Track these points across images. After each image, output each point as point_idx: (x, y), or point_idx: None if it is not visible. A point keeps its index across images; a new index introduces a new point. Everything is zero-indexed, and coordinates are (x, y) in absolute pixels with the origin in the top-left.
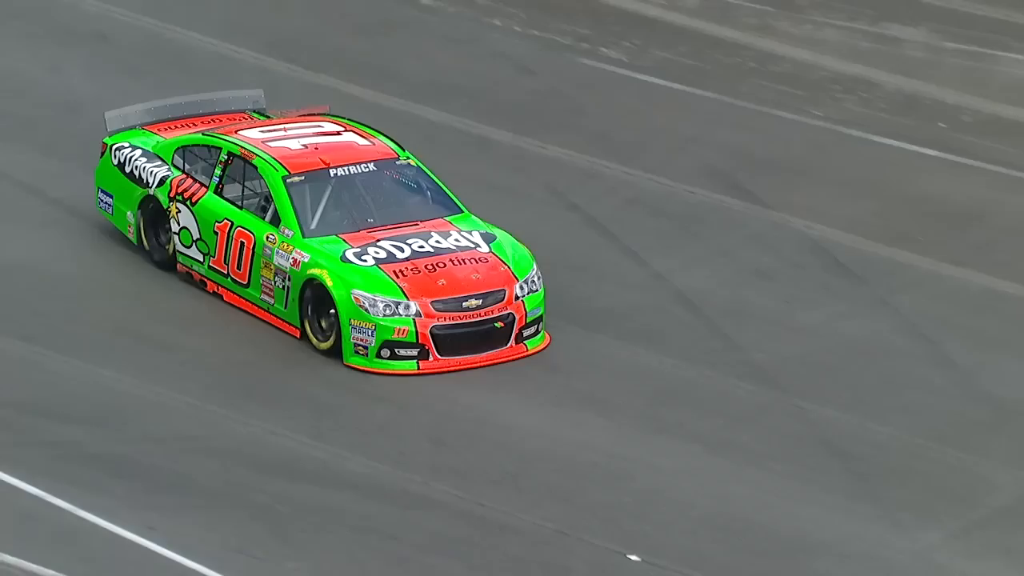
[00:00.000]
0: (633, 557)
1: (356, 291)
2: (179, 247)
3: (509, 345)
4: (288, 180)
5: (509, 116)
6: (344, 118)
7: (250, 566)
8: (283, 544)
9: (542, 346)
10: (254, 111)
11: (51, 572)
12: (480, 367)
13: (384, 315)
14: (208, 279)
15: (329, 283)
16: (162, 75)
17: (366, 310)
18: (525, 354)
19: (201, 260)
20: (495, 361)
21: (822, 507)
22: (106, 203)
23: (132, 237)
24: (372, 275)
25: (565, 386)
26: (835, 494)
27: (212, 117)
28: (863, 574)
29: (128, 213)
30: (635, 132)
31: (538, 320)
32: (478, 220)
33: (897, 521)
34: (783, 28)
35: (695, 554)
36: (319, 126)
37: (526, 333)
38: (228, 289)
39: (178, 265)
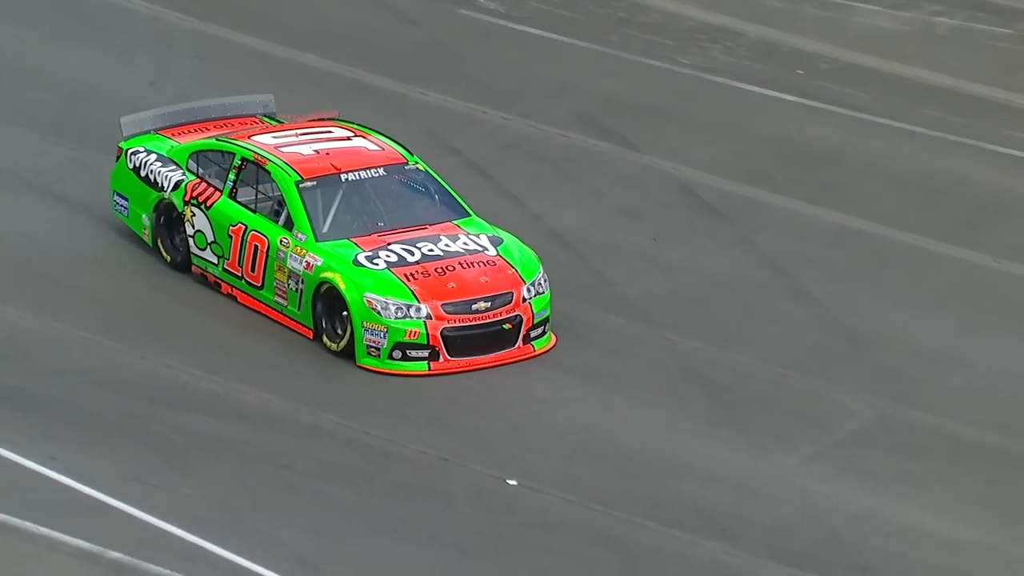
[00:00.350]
0: (511, 481)
1: (368, 294)
2: (194, 249)
3: (517, 346)
4: (301, 185)
5: (391, 64)
6: (353, 123)
7: (146, 493)
8: (177, 472)
9: (549, 346)
10: (265, 115)
11: None
12: (489, 367)
13: (396, 318)
14: (222, 281)
15: (342, 287)
16: (55, 24)
17: (378, 313)
18: (532, 354)
19: (216, 262)
20: (503, 362)
21: (688, 433)
22: (122, 206)
23: (147, 239)
24: (384, 279)
25: None
26: (700, 421)
27: (224, 121)
28: (727, 495)
29: (143, 216)
30: (512, 80)
31: (545, 321)
32: (484, 223)
33: (759, 445)
34: None
35: (569, 477)
36: (329, 131)
37: (533, 334)
38: (242, 291)
39: (193, 267)
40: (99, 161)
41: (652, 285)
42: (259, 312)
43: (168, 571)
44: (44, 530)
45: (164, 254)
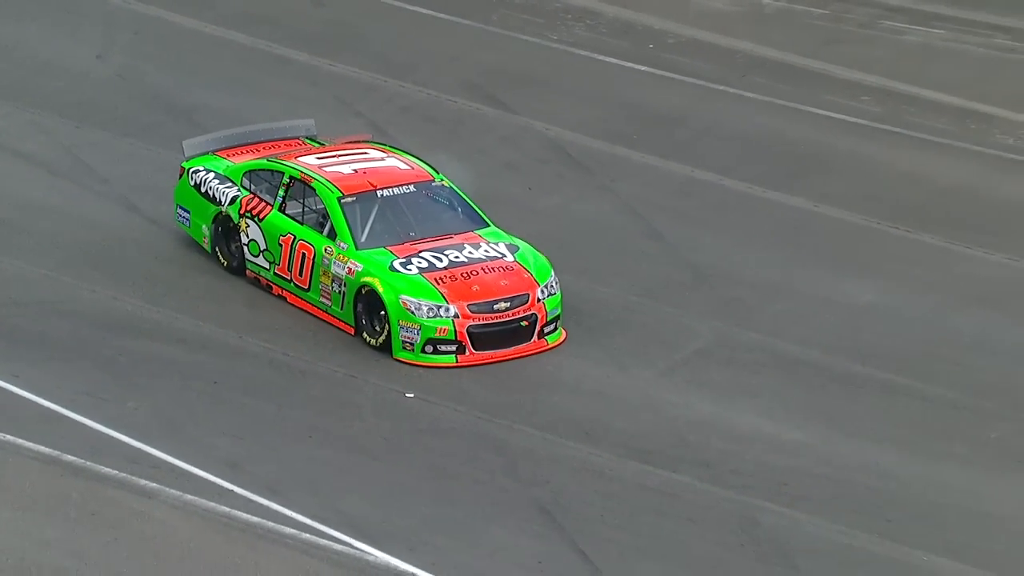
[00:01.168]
0: (409, 395)
1: (404, 296)
2: (248, 256)
3: (532, 340)
4: (342, 200)
5: (306, 41)
6: (385, 145)
7: (97, 405)
8: (124, 388)
9: (560, 341)
10: (307, 137)
11: None
12: (509, 360)
13: (428, 317)
14: (274, 284)
15: (381, 290)
16: (13, 4)
17: (412, 312)
18: (546, 348)
19: (267, 267)
20: (521, 354)
21: (560, 353)
22: (184, 218)
23: (207, 247)
24: (417, 282)
25: None
26: (570, 343)
27: (272, 143)
28: (591, 404)
29: (203, 227)
30: (408, 53)
31: (556, 319)
32: (502, 232)
33: (618, 362)
34: None
35: (458, 391)
36: (365, 153)
37: (546, 330)
38: (291, 292)
39: (247, 271)
40: (56, 123)
41: (528, 228)
42: (306, 311)
43: (116, 472)
44: (10, 438)
45: (221, 259)
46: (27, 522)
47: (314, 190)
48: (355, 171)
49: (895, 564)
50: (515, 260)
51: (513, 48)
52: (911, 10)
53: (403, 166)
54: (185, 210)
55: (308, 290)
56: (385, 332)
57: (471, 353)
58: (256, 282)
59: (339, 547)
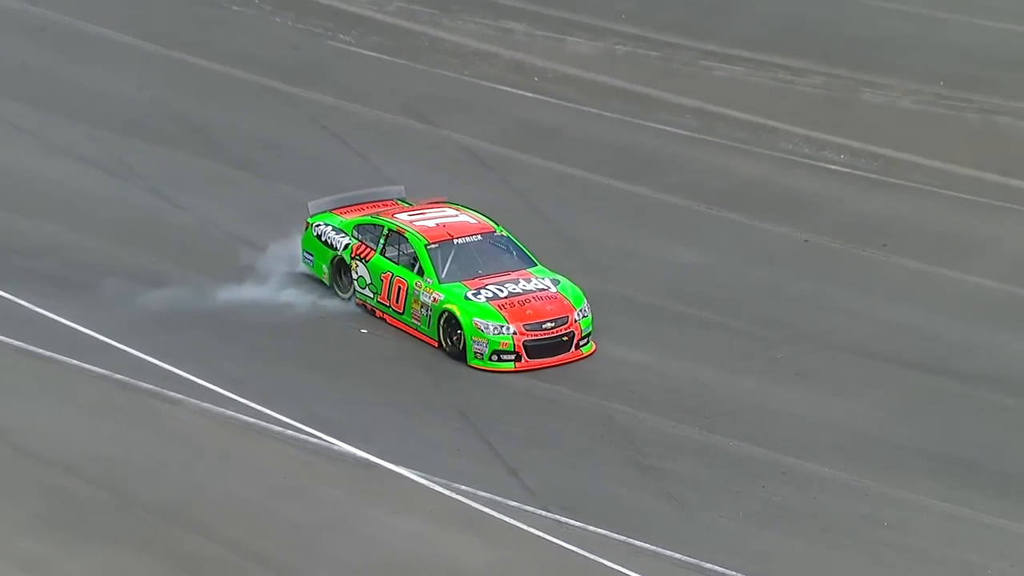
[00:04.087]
0: (363, 330)
1: (476, 319)
2: (357, 288)
3: (571, 351)
4: (428, 247)
5: (286, 75)
6: (458, 204)
7: (137, 339)
8: (156, 326)
9: (592, 351)
10: (399, 199)
11: None
12: (554, 366)
13: (493, 334)
14: (377, 309)
15: (458, 314)
16: None
17: (482, 331)
18: (581, 357)
19: (372, 297)
20: (563, 361)
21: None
22: (308, 259)
23: (327, 282)
24: (485, 308)
25: None
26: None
27: (373, 204)
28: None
29: (324, 266)
30: (359, 83)
31: (588, 334)
32: (547, 270)
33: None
34: None
35: (398, 331)
36: (443, 210)
37: (582, 343)
38: (390, 315)
39: (356, 300)
40: (107, 135)
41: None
42: (401, 330)
43: (151, 386)
44: (74, 361)
45: (339, 292)
46: (88, 423)
47: (407, 239)
48: (437, 224)
49: (712, 447)
50: (558, 291)
51: (437, 80)
52: (720, 53)
53: (472, 220)
54: (310, 254)
55: (403, 313)
56: (461, 345)
57: (526, 361)
58: (365, 308)
59: (313, 440)
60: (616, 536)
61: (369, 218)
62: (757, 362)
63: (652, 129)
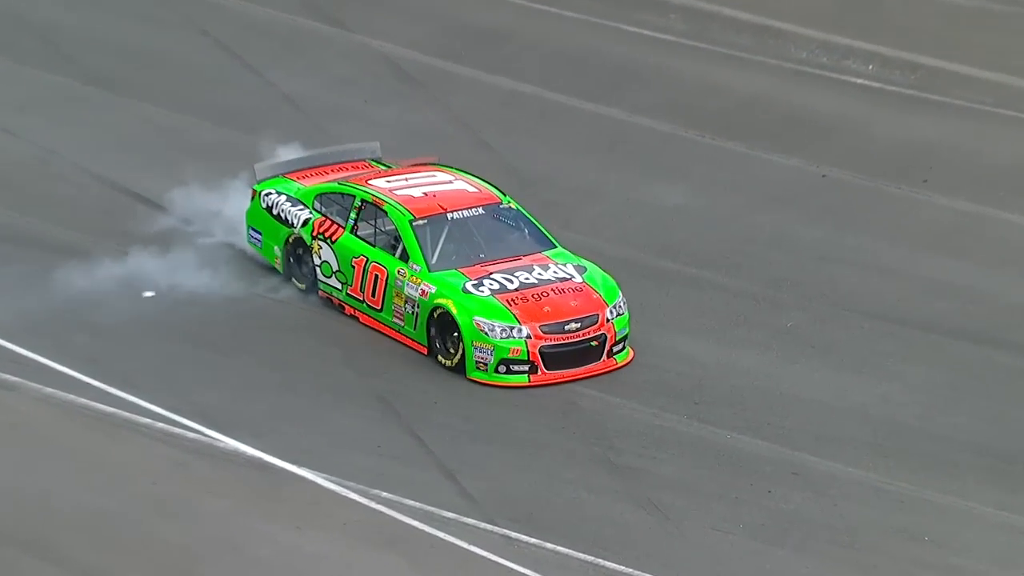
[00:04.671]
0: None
1: (477, 318)
2: (320, 277)
3: (602, 360)
4: (414, 223)
5: None
6: (452, 167)
7: None
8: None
9: (628, 360)
10: (372, 159)
11: None
12: (579, 380)
13: (501, 338)
14: (346, 304)
15: (455, 311)
16: None
17: (486, 334)
18: (615, 367)
19: (340, 288)
20: (591, 374)
21: None
22: (256, 239)
23: (279, 268)
24: (490, 304)
25: None
26: None
27: (340, 166)
28: None
29: (275, 248)
30: None
31: (624, 338)
32: (569, 253)
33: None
34: None
35: (300, 295)
36: (433, 175)
37: (615, 349)
38: (364, 312)
39: (319, 292)
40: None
41: (365, 137)
42: (379, 331)
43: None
44: None
45: (296, 282)
46: None
47: (386, 212)
48: (425, 194)
49: (702, 442)
50: (584, 281)
51: None
52: None
53: (471, 188)
54: (257, 232)
55: (381, 310)
56: (459, 353)
57: (543, 373)
58: (330, 303)
59: (191, 435)
60: (581, 556)
61: (336, 185)
62: (761, 332)
63: (626, 33)
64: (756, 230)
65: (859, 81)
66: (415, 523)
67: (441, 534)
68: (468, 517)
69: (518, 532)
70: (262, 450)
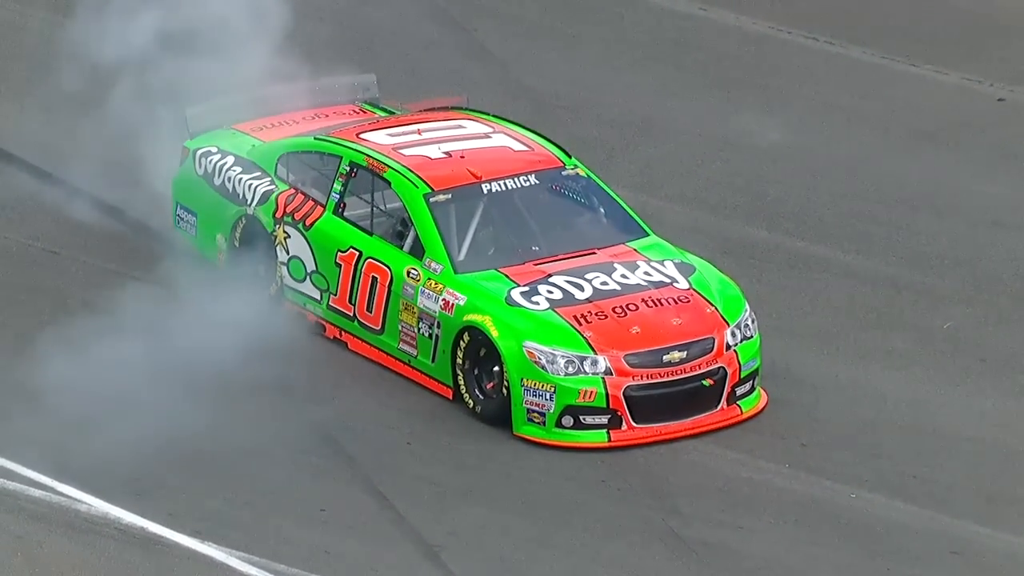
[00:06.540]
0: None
1: (529, 343)
2: (288, 281)
3: (720, 407)
4: (432, 199)
5: None
6: (489, 114)
7: None
8: None
9: (758, 407)
10: (365, 102)
11: None
12: (685, 438)
13: (566, 374)
14: (327, 322)
15: (494, 333)
16: None
17: (543, 368)
18: (739, 418)
19: (318, 298)
20: (704, 429)
21: None
22: (187, 222)
23: (220, 263)
24: (548, 322)
25: None
26: None
27: (316, 111)
28: None
29: (218, 236)
30: None
31: (754, 375)
32: (670, 246)
33: None
34: None
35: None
36: (460, 125)
37: (739, 391)
38: (354, 335)
39: (286, 303)
40: None
41: (322, 35)
42: (379, 364)
43: None
44: None
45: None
46: None
47: (388, 183)
48: (447, 154)
49: (813, 505)
50: (691, 287)
51: None
52: None
53: (518, 146)
54: (189, 211)
55: (380, 332)
56: (504, 393)
57: (630, 427)
58: (302, 319)
59: (37, 493)
60: None
61: (312, 140)
62: (903, 338)
63: None
64: (896, 183)
65: None
66: None
67: None
68: None
69: None
70: (142, 515)
